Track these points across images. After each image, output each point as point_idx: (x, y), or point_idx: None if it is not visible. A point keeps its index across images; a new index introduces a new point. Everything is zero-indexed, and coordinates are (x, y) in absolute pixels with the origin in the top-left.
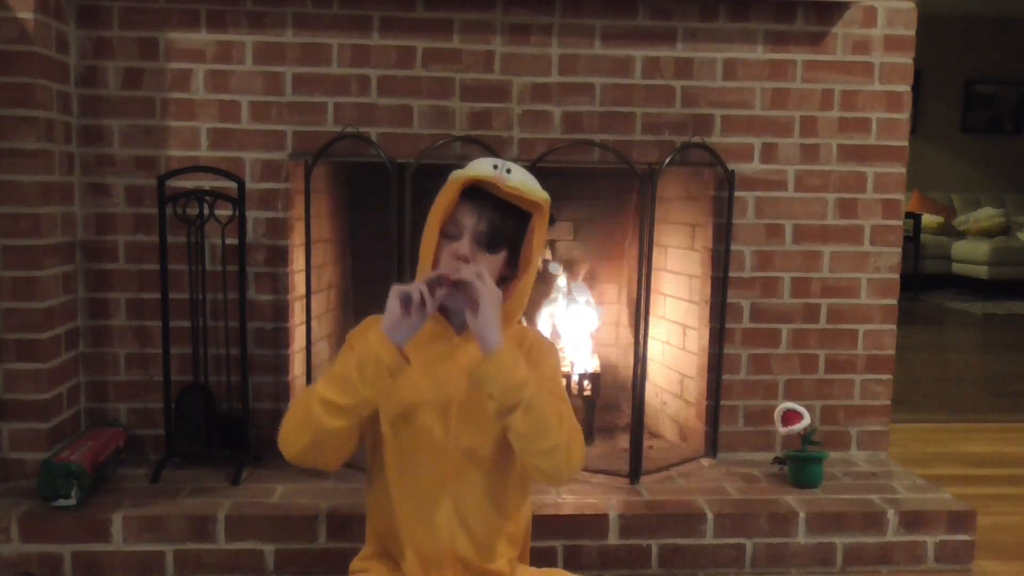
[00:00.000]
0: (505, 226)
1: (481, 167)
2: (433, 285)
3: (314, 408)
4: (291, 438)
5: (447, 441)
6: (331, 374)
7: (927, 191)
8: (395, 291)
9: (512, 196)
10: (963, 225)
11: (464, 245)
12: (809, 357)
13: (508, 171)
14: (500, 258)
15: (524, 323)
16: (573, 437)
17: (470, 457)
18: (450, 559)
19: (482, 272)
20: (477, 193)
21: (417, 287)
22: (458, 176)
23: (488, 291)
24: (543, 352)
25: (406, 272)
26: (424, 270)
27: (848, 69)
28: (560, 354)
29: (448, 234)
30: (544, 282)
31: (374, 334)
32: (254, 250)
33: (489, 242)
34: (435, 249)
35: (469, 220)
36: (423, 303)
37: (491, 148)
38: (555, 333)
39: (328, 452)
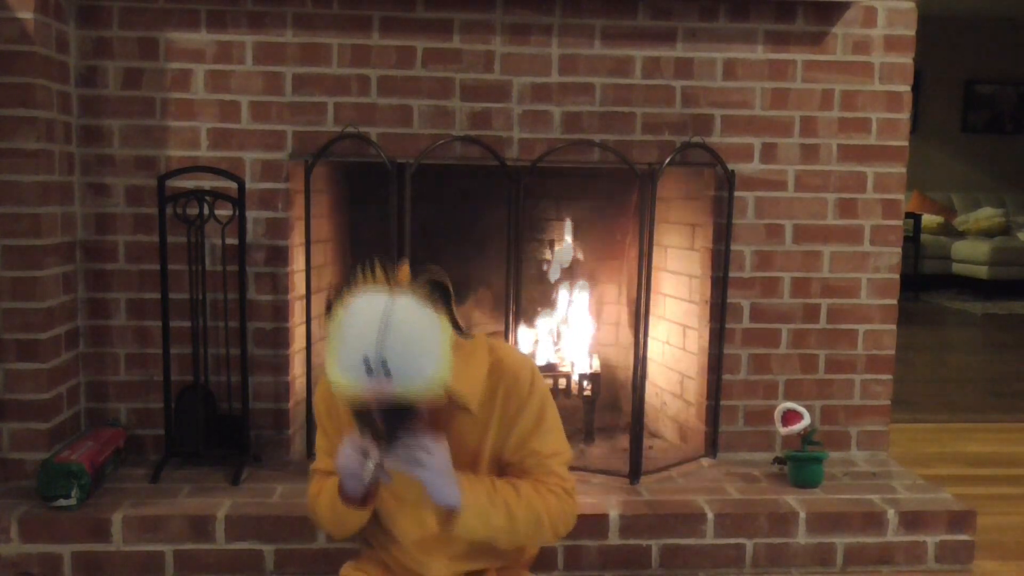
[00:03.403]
0: (407, 417)
1: (351, 374)
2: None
3: (332, 529)
4: (335, 535)
5: (429, 519)
6: (326, 507)
7: (927, 191)
8: (342, 469)
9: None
10: (963, 225)
11: (374, 454)
12: (809, 357)
13: (386, 370)
14: (424, 416)
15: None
16: (556, 516)
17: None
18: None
19: (420, 446)
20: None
21: (361, 468)
22: (337, 391)
23: (430, 468)
24: (524, 395)
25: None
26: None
27: (848, 69)
28: (544, 354)
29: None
30: (543, 282)
31: (336, 495)
32: (254, 250)
33: (401, 437)
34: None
35: (365, 433)
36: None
37: (491, 148)
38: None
39: (356, 525)
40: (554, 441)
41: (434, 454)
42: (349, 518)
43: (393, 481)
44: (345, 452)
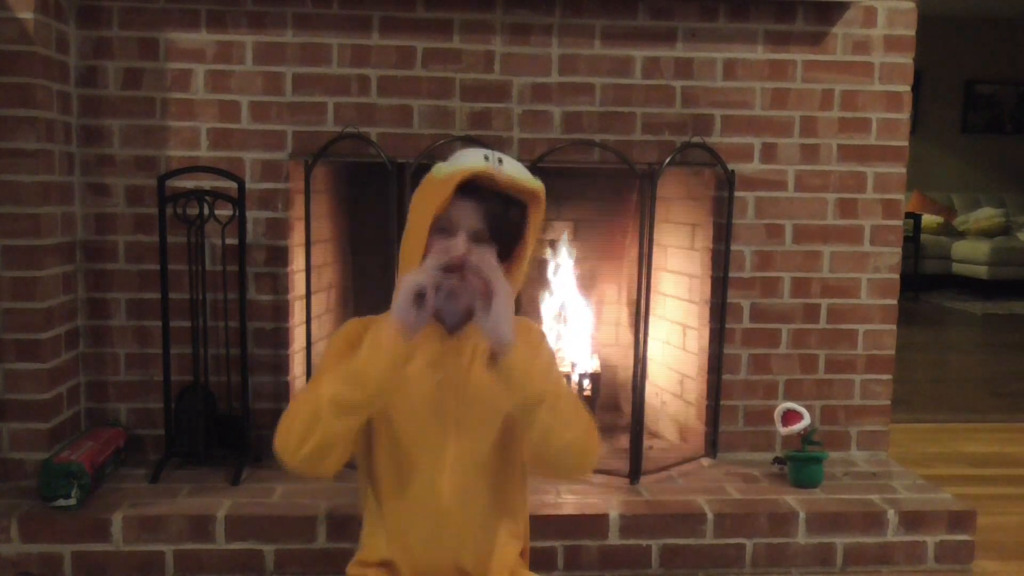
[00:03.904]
0: (502, 220)
1: (472, 160)
2: (441, 275)
3: (322, 410)
4: (294, 443)
5: (446, 446)
6: (337, 373)
7: (927, 191)
8: (408, 282)
9: (507, 187)
10: (963, 225)
11: (460, 242)
12: (809, 357)
13: (500, 161)
14: (494, 251)
15: None
16: (590, 426)
17: (472, 459)
18: (452, 570)
19: (492, 262)
20: (469, 187)
21: (429, 276)
22: (450, 173)
23: (503, 284)
24: (535, 343)
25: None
26: (410, 269)
27: (848, 69)
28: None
29: (438, 230)
30: (543, 282)
31: (385, 324)
32: (254, 250)
33: (485, 237)
34: (423, 247)
35: (465, 216)
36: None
37: (491, 148)
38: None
39: (332, 456)
40: (565, 383)
41: (506, 283)
42: (384, 366)
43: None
44: (416, 270)
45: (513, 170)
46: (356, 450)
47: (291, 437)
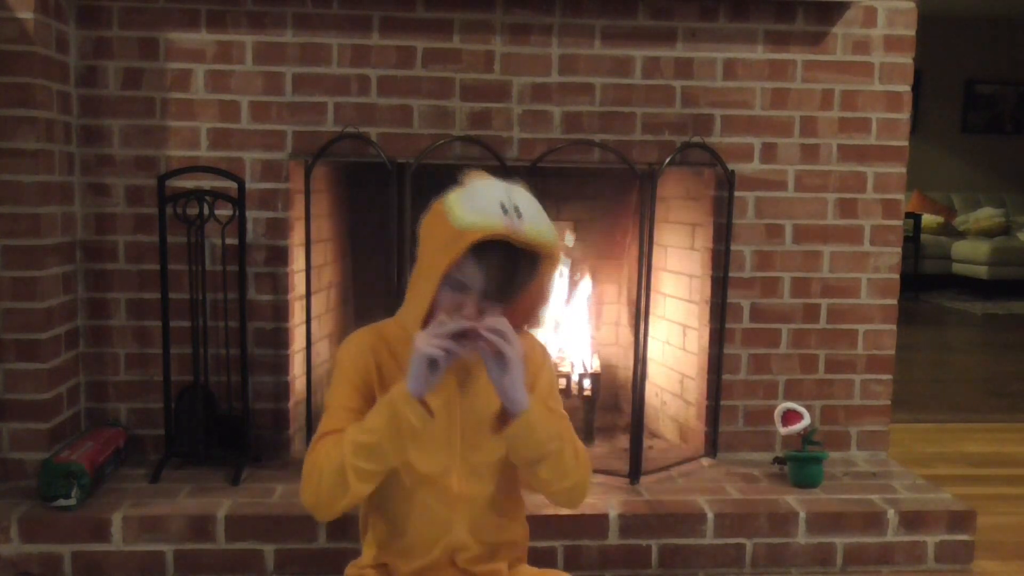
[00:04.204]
0: (517, 277)
1: (489, 212)
2: (453, 343)
3: (348, 478)
4: (325, 503)
5: (454, 451)
6: (361, 444)
7: (927, 191)
8: (421, 354)
9: (523, 245)
10: (963, 225)
11: (471, 304)
12: (809, 357)
13: (518, 212)
14: (507, 307)
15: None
16: (585, 462)
17: (478, 473)
18: (449, 567)
19: (507, 329)
20: (484, 242)
21: (442, 351)
22: (467, 226)
23: (516, 349)
24: (539, 362)
25: (405, 272)
26: (420, 313)
27: (848, 69)
28: (553, 359)
29: (449, 283)
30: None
31: (400, 395)
32: (254, 250)
33: (500, 297)
34: (433, 296)
35: (478, 277)
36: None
37: (491, 148)
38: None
39: (359, 502)
40: (564, 414)
41: (516, 339)
42: (403, 436)
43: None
44: (425, 337)
45: (532, 225)
46: None
47: (321, 497)
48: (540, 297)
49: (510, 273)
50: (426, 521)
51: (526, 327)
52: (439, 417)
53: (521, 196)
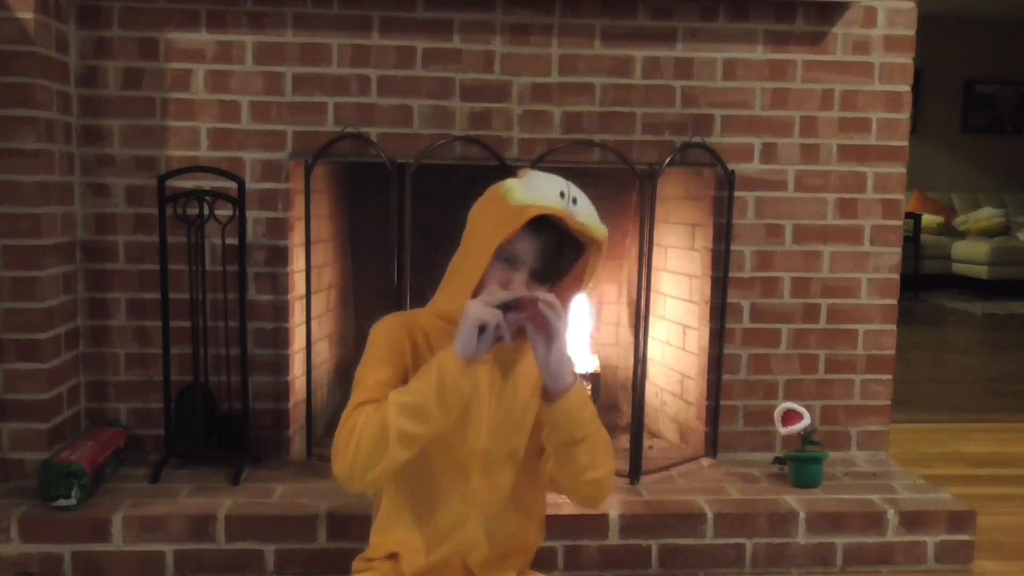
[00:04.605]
0: (564, 261)
1: (549, 195)
2: (503, 314)
3: (390, 441)
4: (360, 468)
5: (480, 444)
6: (403, 405)
7: (927, 191)
8: (473, 317)
9: (575, 230)
10: (963, 225)
11: (521, 279)
12: (809, 357)
13: (575, 201)
14: (550, 288)
15: None
16: (611, 456)
17: (507, 458)
18: (459, 568)
19: (558, 304)
20: (538, 220)
21: (495, 316)
22: (526, 203)
23: (565, 328)
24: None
25: (406, 273)
26: (467, 290)
27: (848, 69)
28: None
29: (500, 258)
30: None
31: (447, 357)
32: (254, 250)
33: (546, 277)
34: (483, 270)
35: (531, 252)
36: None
37: (491, 148)
38: None
39: (390, 476)
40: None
41: (565, 319)
42: (450, 398)
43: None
44: (477, 303)
45: (585, 214)
46: None
47: (357, 463)
48: (580, 284)
49: (560, 253)
50: (443, 512)
51: None
52: (466, 409)
53: (577, 190)
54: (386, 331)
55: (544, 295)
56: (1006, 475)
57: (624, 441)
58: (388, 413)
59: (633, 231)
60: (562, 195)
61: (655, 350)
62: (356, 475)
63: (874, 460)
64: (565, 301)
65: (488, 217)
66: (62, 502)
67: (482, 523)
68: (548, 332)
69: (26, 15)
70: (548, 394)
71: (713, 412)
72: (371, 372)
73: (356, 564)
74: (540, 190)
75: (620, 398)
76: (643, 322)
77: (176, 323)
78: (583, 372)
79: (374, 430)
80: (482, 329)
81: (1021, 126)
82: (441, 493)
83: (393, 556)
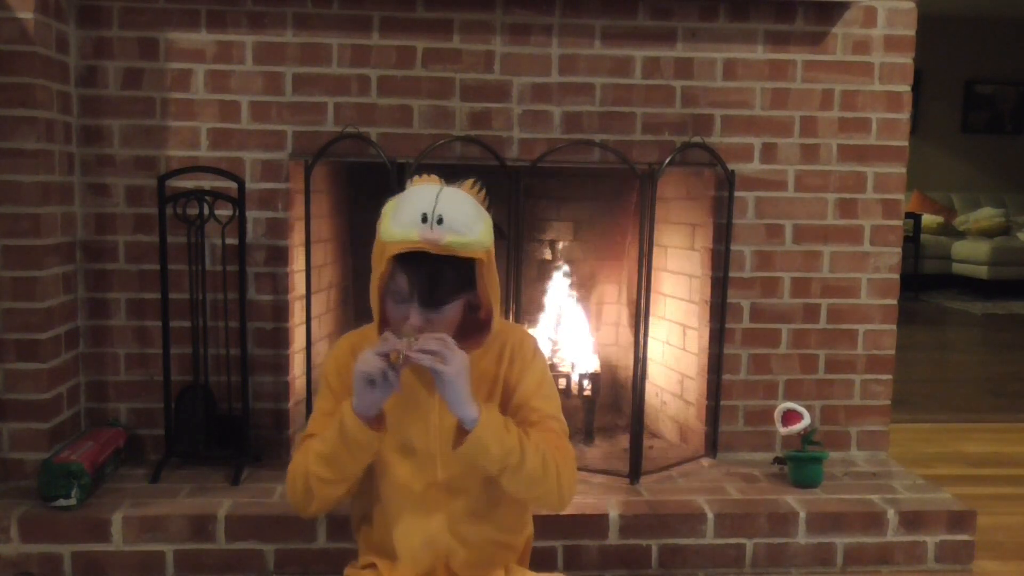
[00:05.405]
0: (444, 285)
1: (409, 223)
2: (387, 364)
3: (312, 484)
4: (300, 505)
5: (435, 478)
6: (320, 453)
7: (927, 191)
8: (359, 373)
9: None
10: (963, 225)
11: (415, 314)
12: (809, 357)
13: (440, 220)
14: (456, 305)
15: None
16: (562, 466)
17: (468, 474)
18: (444, 572)
19: (443, 340)
20: (408, 255)
21: (379, 369)
22: (386, 243)
23: (451, 366)
24: (527, 359)
25: None
26: (375, 328)
27: (848, 69)
28: (544, 351)
29: (390, 295)
30: (543, 282)
31: (347, 411)
32: (254, 250)
33: (434, 304)
34: (380, 308)
35: (406, 288)
36: (387, 379)
37: (491, 148)
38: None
39: (337, 502)
40: (554, 407)
41: (457, 353)
42: (352, 449)
43: (403, 390)
44: (365, 356)
45: (454, 233)
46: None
47: (295, 500)
48: (488, 297)
49: (436, 281)
50: (406, 524)
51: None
52: (418, 422)
53: (449, 202)
54: (334, 358)
55: (424, 342)
56: (1006, 475)
57: (624, 441)
58: (308, 459)
59: (633, 231)
60: (424, 219)
61: (655, 350)
62: (300, 509)
63: (874, 460)
64: (486, 316)
65: (374, 251)
66: (62, 502)
67: (453, 533)
68: (435, 375)
69: (26, 15)
70: (459, 431)
71: (713, 412)
72: (318, 404)
73: (347, 571)
74: (402, 218)
75: (620, 398)
76: (643, 322)
77: (176, 323)
78: (583, 372)
79: (300, 472)
80: (371, 381)
81: (1021, 126)
82: (407, 512)
83: (373, 565)
